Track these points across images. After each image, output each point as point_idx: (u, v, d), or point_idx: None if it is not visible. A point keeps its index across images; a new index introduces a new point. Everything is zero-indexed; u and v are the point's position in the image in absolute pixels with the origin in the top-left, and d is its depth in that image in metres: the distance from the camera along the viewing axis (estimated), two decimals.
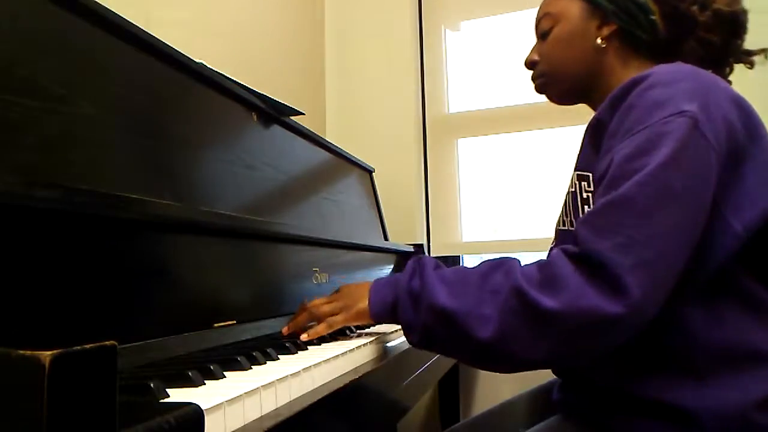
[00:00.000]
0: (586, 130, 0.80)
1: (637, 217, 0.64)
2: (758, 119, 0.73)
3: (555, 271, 0.65)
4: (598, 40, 0.85)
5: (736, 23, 0.82)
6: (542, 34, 0.92)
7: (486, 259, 0.76)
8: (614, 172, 0.67)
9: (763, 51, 0.85)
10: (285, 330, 0.86)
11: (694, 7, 0.81)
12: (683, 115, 0.66)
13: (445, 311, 0.69)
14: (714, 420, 0.66)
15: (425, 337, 0.73)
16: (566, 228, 0.81)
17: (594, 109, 0.90)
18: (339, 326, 0.84)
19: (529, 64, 0.95)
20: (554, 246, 0.91)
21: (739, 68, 0.87)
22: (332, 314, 0.84)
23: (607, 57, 0.86)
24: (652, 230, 0.63)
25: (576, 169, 0.81)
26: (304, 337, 0.81)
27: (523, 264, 0.71)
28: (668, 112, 0.67)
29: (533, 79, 0.95)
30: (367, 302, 0.80)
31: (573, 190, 0.79)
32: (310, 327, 0.85)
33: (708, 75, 0.73)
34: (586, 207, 0.76)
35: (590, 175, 0.76)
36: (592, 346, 0.66)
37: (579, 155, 0.82)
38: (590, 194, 0.76)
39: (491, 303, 0.67)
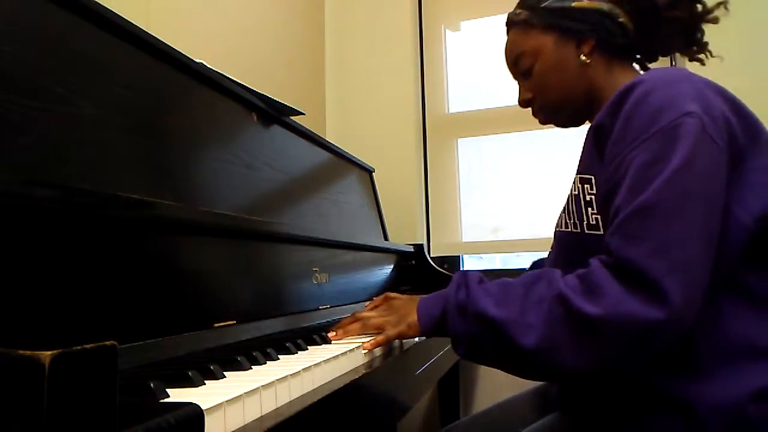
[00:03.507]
0: (587, 135, 0.80)
1: (662, 220, 0.65)
2: (752, 114, 0.74)
3: (595, 279, 0.67)
4: (582, 57, 0.88)
5: None
6: (524, 73, 0.93)
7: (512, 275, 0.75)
8: (635, 180, 0.68)
9: (720, 4, 0.86)
10: (332, 335, 0.85)
11: None
12: (690, 116, 0.67)
13: (490, 320, 0.71)
14: (710, 412, 0.67)
15: (472, 348, 0.75)
16: (569, 230, 0.81)
17: None
18: (393, 339, 0.85)
19: (524, 104, 0.96)
20: (552, 249, 0.91)
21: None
22: (384, 326, 0.85)
23: (594, 70, 0.89)
24: (679, 232, 0.65)
25: (578, 173, 0.81)
26: (366, 345, 0.81)
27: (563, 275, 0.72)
28: (675, 114, 0.68)
29: (534, 115, 0.97)
30: (416, 316, 0.82)
31: (576, 193, 0.80)
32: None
33: (699, 76, 0.75)
34: (589, 209, 0.77)
35: (592, 178, 0.77)
36: (636, 353, 0.67)
37: (581, 159, 0.82)
38: (593, 197, 0.77)
39: (535, 311, 0.69)
